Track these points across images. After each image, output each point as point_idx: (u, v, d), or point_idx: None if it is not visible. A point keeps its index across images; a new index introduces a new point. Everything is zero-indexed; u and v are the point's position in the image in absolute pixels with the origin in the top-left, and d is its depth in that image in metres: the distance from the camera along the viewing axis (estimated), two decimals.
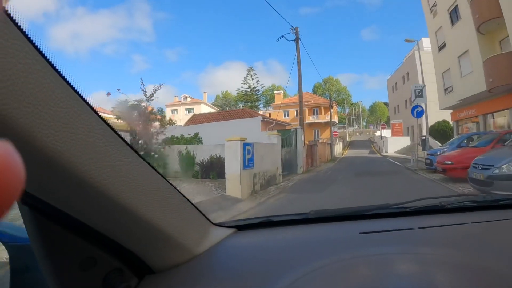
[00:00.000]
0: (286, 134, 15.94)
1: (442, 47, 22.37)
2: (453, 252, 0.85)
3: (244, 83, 73.80)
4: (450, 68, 21.03)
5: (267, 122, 20.48)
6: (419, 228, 1.04)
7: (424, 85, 16.53)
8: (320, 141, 36.93)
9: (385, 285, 0.73)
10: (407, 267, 0.83)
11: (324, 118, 46.67)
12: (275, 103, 55.12)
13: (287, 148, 15.09)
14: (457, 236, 1.01)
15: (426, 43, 38.30)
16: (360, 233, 1.01)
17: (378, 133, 51.76)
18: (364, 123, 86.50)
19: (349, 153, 39.12)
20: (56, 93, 0.45)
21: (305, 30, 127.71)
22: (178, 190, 0.79)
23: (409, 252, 0.88)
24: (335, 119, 50.70)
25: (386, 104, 73.21)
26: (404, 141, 34.28)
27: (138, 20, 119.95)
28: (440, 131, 30.34)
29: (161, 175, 0.71)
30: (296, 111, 51.84)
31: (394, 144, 33.76)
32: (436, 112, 35.38)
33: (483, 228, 1.06)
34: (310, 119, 49.18)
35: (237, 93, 74.79)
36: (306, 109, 48.76)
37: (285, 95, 63.96)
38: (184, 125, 22.95)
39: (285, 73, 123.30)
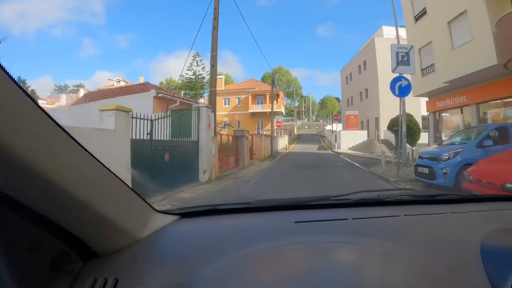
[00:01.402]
0: (178, 115, 9.22)
1: (420, 15, 16.69)
2: (382, 242, 0.88)
3: (189, 69, 68.03)
4: (432, 41, 15.37)
5: (165, 100, 13.34)
6: (353, 218, 1.08)
7: (412, 46, 10.45)
8: (265, 133, 31.17)
9: (312, 270, 0.75)
10: (335, 255, 0.85)
11: (269, 107, 40.30)
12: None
13: (181, 139, 9.09)
14: (388, 227, 1.05)
15: (386, 31, 34.59)
16: (295, 222, 1.04)
17: (328, 127, 47.02)
18: (314, 117, 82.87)
19: (295, 148, 33.21)
20: None
21: (260, 23, 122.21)
22: (119, 179, 0.80)
23: (340, 240, 0.91)
24: (282, 109, 45.01)
25: (337, 99, 69.95)
26: (360, 136, 29.06)
27: (90, 1, 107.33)
28: None
29: (102, 164, 0.73)
30: (239, 99, 46.04)
31: (348, 139, 28.43)
32: (395, 105, 31.80)
33: (414, 221, 1.12)
34: (253, 108, 42.91)
35: (181, 80, 69.36)
36: (249, 97, 43.21)
37: (229, 82, 58.86)
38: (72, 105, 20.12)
39: (238, 64, 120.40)
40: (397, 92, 9.53)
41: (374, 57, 31.26)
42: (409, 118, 26.51)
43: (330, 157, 20.43)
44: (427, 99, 17.97)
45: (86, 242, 0.79)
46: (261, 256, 0.82)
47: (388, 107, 30.01)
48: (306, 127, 68.27)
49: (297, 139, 45.11)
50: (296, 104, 76.66)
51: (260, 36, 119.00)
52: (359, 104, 35.26)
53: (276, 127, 31.82)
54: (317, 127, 64.27)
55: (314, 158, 19.35)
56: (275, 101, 43.26)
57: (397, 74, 10.13)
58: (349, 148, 27.17)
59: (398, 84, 9.51)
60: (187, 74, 67.78)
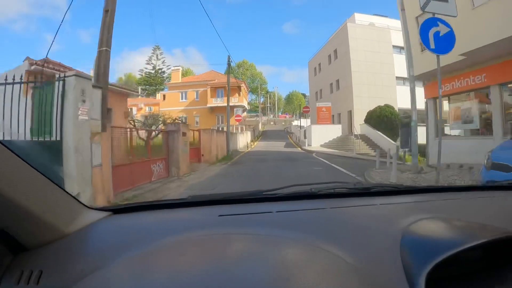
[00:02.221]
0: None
1: None
2: (302, 234, 0.88)
3: (148, 63, 65.96)
4: None
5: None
6: (277, 211, 1.09)
7: None
8: (226, 128, 26.51)
9: (227, 261, 0.75)
10: (252, 246, 0.84)
11: (231, 101, 35.43)
12: (171, 82, 43.46)
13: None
14: (311, 220, 1.04)
15: (359, 18, 31.85)
16: (219, 215, 1.05)
17: (295, 122, 42.97)
18: (280, 113, 79.12)
19: (258, 146, 28.68)
20: None
21: (226, 20, 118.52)
22: (43, 175, 0.82)
23: (259, 233, 0.90)
24: (244, 103, 40.58)
25: (304, 95, 66.69)
26: (334, 131, 25.19)
27: None
28: (383, 119, 21.88)
29: (24, 160, 0.75)
30: (197, 92, 40.83)
31: (320, 134, 24.47)
32: (370, 97, 27.26)
33: (339, 213, 1.13)
34: (212, 102, 38.20)
35: (140, 74, 67.64)
36: (208, 90, 38.48)
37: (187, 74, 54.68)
38: None
39: (204, 61, 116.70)
40: (432, 45, 5.30)
41: (347, 44, 27.90)
42: (390, 110, 23.03)
43: (302, 157, 16.15)
44: (424, 83, 13.80)
45: (13, 235, 0.80)
46: (176, 247, 0.83)
47: (363, 99, 26.76)
48: (272, 123, 64.34)
49: (261, 135, 40.83)
50: (262, 100, 72.45)
51: (225, 33, 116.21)
52: (329, 97, 31.74)
53: (235, 122, 27.36)
54: (283, 123, 60.46)
55: (280, 159, 14.95)
56: (236, 94, 38.98)
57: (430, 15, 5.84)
58: (322, 145, 23.28)
59: (433, 30, 5.27)
60: (146, 68, 63.94)
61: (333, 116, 29.98)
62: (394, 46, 28.45)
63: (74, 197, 0.97)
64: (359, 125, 23.86)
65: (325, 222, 1.01)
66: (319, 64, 36.37)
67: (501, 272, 0.77)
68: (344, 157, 16.19)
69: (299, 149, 23.54)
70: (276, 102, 76.59)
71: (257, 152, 21.38)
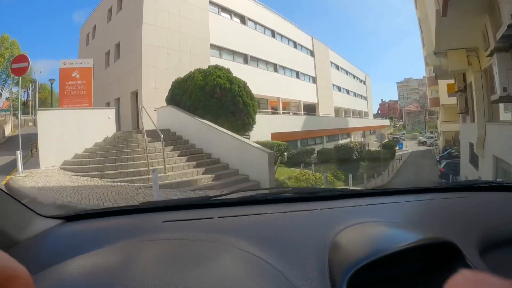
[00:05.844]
0: None
1: None
2: (239, 240, 0.89)
3: None
4: None
5: None
6: (218, 217, 1.10)
7: None
8: None
9: (163, 266, 0.73)
10: (190, 251, 0.84)
11: None
12: None
13: None
14: (250, 225, 1.06)
15: None
16: (163, 221, 1.07)
17: None
18: None
19: None
20: None
21: None
22: None
23: (200, 239, 0.92)
24: None
25: None
26: (99, 125, 10.97)
27: None
28: (213, 94, 10.69)
29: None
30: None
31: (58, 139, 9.97)
32: (172, 69, 15.24)
33: (279, 218, 1.12)
34: None
35: None
36: None
37: None
38: None
39: None
40: None
41: None
42: (225, 75, 11.47)
43: None
44: None
45: None
46: (120, 253, 0.83)
47: (160, 71, 15.23)
48: (31, 123, 43.38)
49: None
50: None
51: None
52: (104, 74, 19.17)
53: None
54: None
55: None
56: None
57: None
58: (61, 167, 9.46)
59: None
60: None
61: (108, 104, 17.00)
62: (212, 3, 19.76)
63: (25, 205, 1.00)
64: (154, 110, 12.19)
65: (263, 228, 1.02)
66: (95, 27, 22.73)
67: (434, 275, 0.79)
68: None
69: None
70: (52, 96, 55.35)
71: None
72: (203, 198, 1.38)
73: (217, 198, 1.31)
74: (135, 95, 15.73)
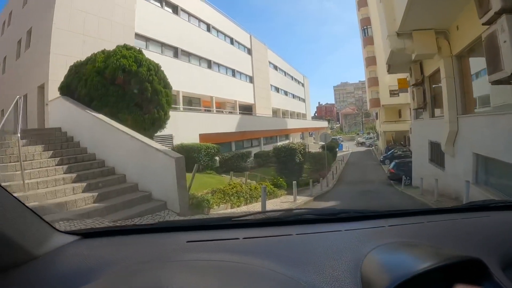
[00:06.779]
0: None
1: None
2: (269, 261, 0.88)
3: None
4: None
5: None
6: (243, 238, 1.08)
7: None
8: None
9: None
10: (217, 273, 0.82)
11: None
12: None
13: None
14: (278, 246, 1.03)
15: None
16: (187, 241, 1.05)
17: None
18: None
19: None
20: None
21: None
22: (14, 196, 0.84)
23: (228, 260, 0.89)
24: None
25: None
26: None
27: None
28: (106, 79, 8.60)
29: None
30: None
31: None
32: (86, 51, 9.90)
33: (305, 240, 1.09)
34: None
35: None
36: None
37: None
38: None
39: None
40: None
41: None
42: (133, 54, 8.07)
43: None
44: None
45: None
46: (141, 273, 0.81)
47: (73, 61, 10.58)
48: None
49: None
50: None
51: None
52: (14, 67, 16.59)
53: None
54: None
55: None
56: None
57: None
58: None
59: None
60: None
61: (17, 101, 13.68)
62: None
63: (44, 220, 0.98)
64: (46, 104, 10.61)
65: (291, 249, 1.00)
66: (10, 14, 19.17)
67: None
68: None
69: None
70: None
71: None
72: (224, 218, 1.35)
73: (239, 218, 1.29)
74: (40, 90, 13.11)
